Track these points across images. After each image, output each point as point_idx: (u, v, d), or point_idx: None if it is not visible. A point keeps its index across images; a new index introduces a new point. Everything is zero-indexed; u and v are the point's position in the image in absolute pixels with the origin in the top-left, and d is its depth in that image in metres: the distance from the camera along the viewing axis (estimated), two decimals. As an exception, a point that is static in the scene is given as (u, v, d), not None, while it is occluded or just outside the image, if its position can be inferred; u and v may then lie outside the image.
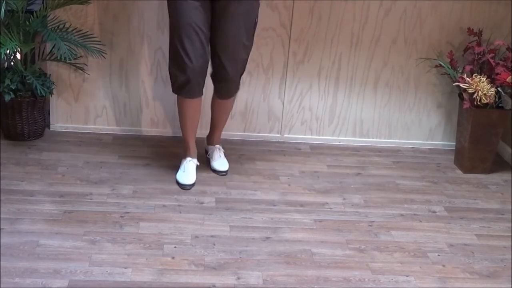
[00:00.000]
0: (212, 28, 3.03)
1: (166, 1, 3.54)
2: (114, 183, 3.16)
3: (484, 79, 3.43)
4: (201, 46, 2.98)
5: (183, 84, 3.04)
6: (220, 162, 3.37)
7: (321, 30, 3.66)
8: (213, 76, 3.18)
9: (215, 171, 3.34)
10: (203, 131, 3.52)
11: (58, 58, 3.38)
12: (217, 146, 3.42)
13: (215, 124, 3.40)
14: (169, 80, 3.73)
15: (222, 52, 3.06)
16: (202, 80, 3.06)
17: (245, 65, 3.18)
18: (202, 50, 2.99)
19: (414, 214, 3.11)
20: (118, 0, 3.53)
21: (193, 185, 3.17)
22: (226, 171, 3.34)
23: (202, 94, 3.13)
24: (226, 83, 3.16)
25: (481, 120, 3.51)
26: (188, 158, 3.24)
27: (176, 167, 3.26)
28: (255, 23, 3.09)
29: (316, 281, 2.51)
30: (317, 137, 3.89)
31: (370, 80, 3.80)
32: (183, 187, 3.15)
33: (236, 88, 3.24)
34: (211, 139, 3.44)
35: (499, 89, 3.47)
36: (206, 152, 3.44)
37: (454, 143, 3.78)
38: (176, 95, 3.17)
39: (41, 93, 3.40)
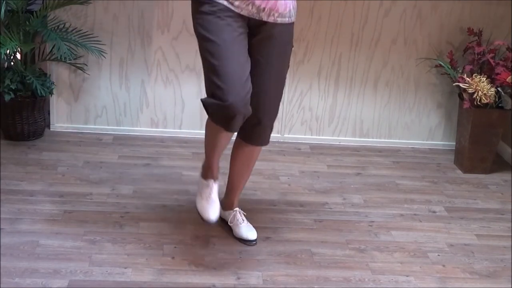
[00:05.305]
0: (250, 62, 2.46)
1: (166, 1, 3.54)
2: (114, 183, 3.16)
3: (484, 79, 3.43)
4: (246, 74, 2.41)
5: (228, 118, 2.39)
6: (247, 227, 2.76)
7: (321, 30, 3.66)
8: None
9: (243, 240, 2.73)
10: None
11: (58, 58, 3.38)
12: (237, 209, 2.80)
13: (235, 183, 2.77)
14: (169, 80, 3.74)
15: (262, 91, 2.50)
16: (248, 111, 2.43)
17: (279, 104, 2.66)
18: (248, 79, 2.41)
19: (414, 214, 3.11)
20: (118, 0, 3.53)
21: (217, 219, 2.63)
22: (256, 238, 2.75)
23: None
24: (260, 126, 2.59)
25: (481, 120, 3.51)
26: (211, 180, 2.63)
27: (176, 167, 3.26)
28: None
29: (316, 281, 2.51)
30: (317, 137, 3.88)
31: (370, 80, 3.79)
32: (208, 222, 2.61)
33: (271, 131, 2.66)
34: (230, 202, 2.81)
35: (499, 89, 3.47)
36: (225, 220, 2.82)
37: (454, 143, 3.78)
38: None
39: (41, 93, 3.40)
